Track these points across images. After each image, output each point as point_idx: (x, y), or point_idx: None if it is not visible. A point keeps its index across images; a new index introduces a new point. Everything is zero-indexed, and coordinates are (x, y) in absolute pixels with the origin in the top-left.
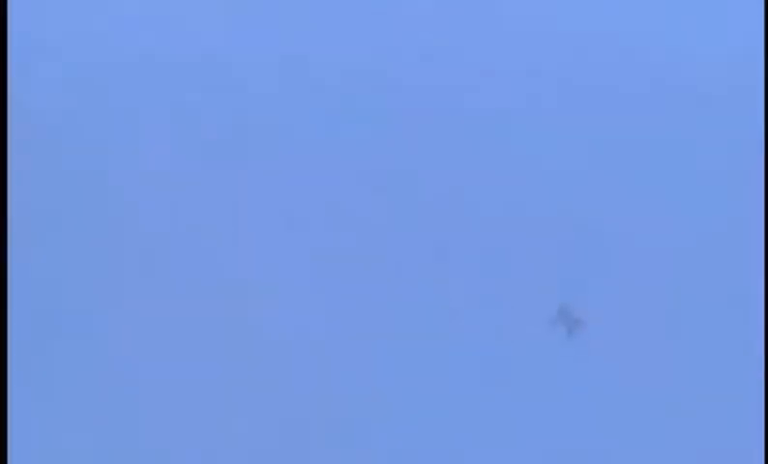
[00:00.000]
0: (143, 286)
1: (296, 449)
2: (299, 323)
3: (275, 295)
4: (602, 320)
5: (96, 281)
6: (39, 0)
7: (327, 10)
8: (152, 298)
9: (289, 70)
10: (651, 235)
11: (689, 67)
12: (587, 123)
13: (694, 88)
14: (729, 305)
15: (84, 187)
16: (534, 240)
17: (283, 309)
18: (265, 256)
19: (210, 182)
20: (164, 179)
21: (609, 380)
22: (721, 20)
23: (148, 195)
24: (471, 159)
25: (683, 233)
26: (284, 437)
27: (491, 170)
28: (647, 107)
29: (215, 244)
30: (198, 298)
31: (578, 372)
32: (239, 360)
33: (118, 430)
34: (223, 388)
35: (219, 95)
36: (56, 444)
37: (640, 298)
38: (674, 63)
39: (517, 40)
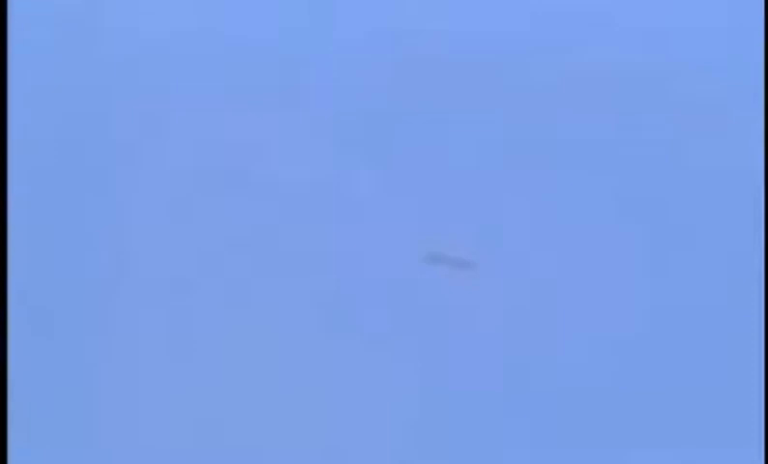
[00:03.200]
0: (144, 288)
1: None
2: None
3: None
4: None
5: (95, 282)
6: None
7: None
8: (152, 298)
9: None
10: (640, 250)
11: (688, 67)
12: (579, 119)
13: (693, 88)
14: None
15: (84, 186)
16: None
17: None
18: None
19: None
20: (166, 179)
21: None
22: (720, 20)
23: (150, 194)
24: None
25: (680, 238)
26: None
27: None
28: (646, 107)
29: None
30: (200, 300)
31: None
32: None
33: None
34: (226, 388)
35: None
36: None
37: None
38: (674, 62)
39: (515, 40)
